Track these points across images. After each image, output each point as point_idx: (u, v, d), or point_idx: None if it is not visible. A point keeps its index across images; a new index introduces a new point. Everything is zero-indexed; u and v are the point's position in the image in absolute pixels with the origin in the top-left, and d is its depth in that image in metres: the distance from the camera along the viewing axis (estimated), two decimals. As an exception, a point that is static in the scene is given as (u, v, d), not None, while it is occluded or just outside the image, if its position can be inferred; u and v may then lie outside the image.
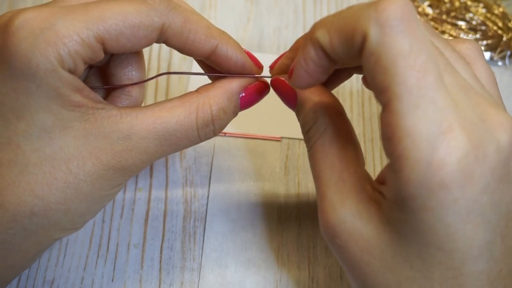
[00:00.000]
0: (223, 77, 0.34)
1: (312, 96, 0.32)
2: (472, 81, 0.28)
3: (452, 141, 0.24)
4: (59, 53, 0.28)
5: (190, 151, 0.44)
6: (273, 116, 0.45)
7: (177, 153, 0.44)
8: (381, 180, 0.28)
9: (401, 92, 0.24)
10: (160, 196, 0.42)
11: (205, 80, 0.35)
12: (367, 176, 0.30)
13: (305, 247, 0.40)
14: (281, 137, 0.44)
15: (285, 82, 0.33)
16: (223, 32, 0.33)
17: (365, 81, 0.35)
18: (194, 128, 0.32)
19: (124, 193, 0.42)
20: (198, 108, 0.32)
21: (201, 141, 0.33)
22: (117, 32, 0.29)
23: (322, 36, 0.27)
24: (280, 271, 0.39)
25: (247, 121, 0.45)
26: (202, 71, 0.35)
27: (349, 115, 0.42)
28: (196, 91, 0.33)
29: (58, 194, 0.30)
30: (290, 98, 0.33)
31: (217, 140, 0.44)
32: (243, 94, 0.34)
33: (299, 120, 0.33)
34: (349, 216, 0.28)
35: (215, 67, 0.34)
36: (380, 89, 0.25)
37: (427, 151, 0.24)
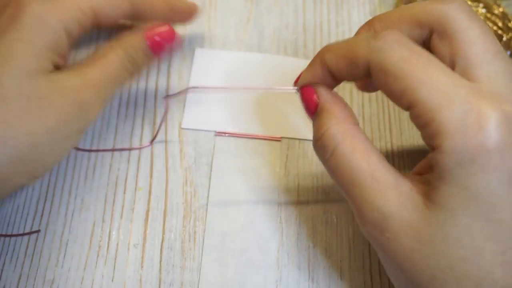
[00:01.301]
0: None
1: (331, 106, 0.34)
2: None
3: (482, 111, 0.27)
4: (64, 15, 0.36)
5: (190, 151, 0.44)
6: (273, 117, 0.45)
7: (177, 153, 0.44)
8: (418, 172, 0.31)
9: (415, 86, 0.28)
10: (160, 196, 0.42)
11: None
12: (398, 172, 0.31)
13: (305, 247, 0.40)
14: (281, 137, 0.44)
15: (312, 90, 0.35)
16: None
17: (361, 86, 0.40)
18: (122, 69, 0.38)
19: (124, 193, 0.42)
20: (114, 47, 0.39)
21: (129, 79, 0.40)
22: (104, 5, 0.39)
23: (330, 59, 0.33)
24: (280, 271, 0.39)
25: (247, 121, 0.45)
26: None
27: (349, 115, 0.42)
28: None
29: (29, 126, 0.33)
30: (312, 105, 0.34)
31: (217, 140, 0.44)
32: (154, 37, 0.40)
33: (314, 126, 0.34)
34: (395, 210, 0.29)
35: (143, 20, 0.42)
36: (398, 94, 0.29)
37: (463, 121, 0.27)
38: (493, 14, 0.51)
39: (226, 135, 0.44)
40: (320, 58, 0.34)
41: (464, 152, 0.27)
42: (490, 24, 0.51)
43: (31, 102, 0.34)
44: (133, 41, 0.39)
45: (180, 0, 0.43)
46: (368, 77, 0.32)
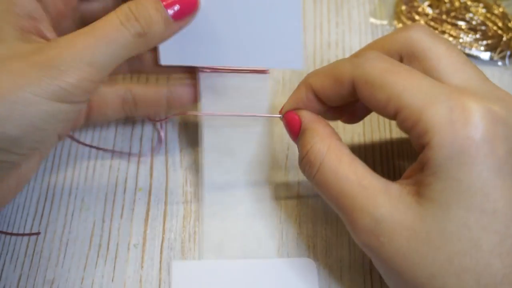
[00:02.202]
0: None
1: (314, 125, 0.35)
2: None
3: (466, 106, 0.28)
4: None
5: (190, 151, 0.44)
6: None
7: (177, 153, 0.44)
8: (407, 176, 0.31)
9: (399, 92, 0.30)
10: (160, 196, 0.42)
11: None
12: (386, 179, 0.31)
13: (305, 247, 0.40)
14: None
15: (294, 113, 0.36)
16: None
17: (346, 119, 0.40)
18: (119, 27, 0.32)
19: (124, 193, 0.42)
20: (117, 9, 0.33)
21: (136, 43, 0.33)
22: None
23: (315, 81, 0.34)
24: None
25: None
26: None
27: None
28: None
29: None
30: (295, 127, 0.36)
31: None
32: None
33: (299, 146, 0.35)
34: (386, 213, 0.30)
35: None
36: (383, 103, 0.31)
37: (448, 116, 0.28)
38: (493, 14, 0.51)
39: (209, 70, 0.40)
40: (304, 83, 0.35)
41: (453, 145, 0.28)
42: (490, 24, 0.51)
43: (5, 62, 0.30)
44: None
45: None
46: (352, 97, 0.33)
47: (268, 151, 0.41)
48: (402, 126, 0.30)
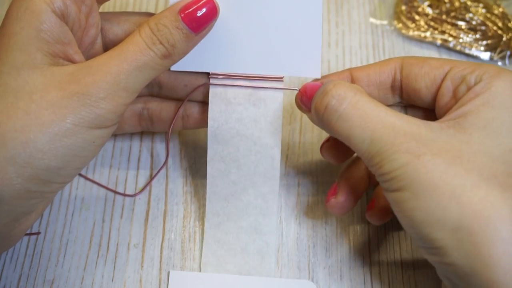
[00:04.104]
0: None
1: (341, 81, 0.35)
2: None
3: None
4: None
5: (190, 151, 0.44)
6: None
7: (177, 153, 0.44)
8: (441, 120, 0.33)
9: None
10: (160, 196, 0.42)
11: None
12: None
13: (305, 247, 0.40)
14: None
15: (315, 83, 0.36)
16: None
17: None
18: (147, 51, 0.32)
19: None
20: (139, 29, 0.33)
21: (163, 64, 0.33)
22: None
23: (357, 70, 0.37)
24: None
25: None
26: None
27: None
28: None
29: (17, 122, 0.30)
30: (314, 87, 0.35)
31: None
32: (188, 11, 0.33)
33: (318, 92, 0.34)
34: (429, 138, 0.31)
35: None
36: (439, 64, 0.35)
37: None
38: (493, 14, 0.51)
39: (220, 77, 0.38)
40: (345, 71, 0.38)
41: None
42: (490, 24, 0.51)
43: (19, 97, 0.30)
44: (163, 18, 0.33)
45: None
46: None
47: (276, 164, 0.38)
48: (456, 76, 0.33)
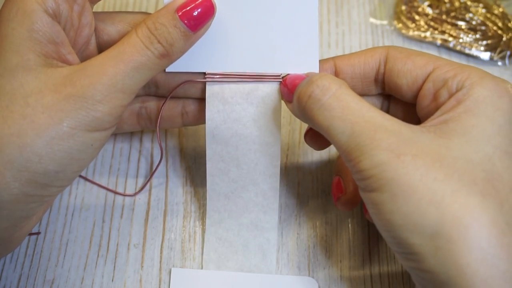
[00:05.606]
0: None
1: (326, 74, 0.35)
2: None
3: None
4: None
5: (190, 151, 0.44)
6: None
7: (177, 153, 0.44)
8: (423, 124, 0.32)
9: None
10: (160, 196, 0.42)
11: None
12: None
13: (305, 247, 0.40)
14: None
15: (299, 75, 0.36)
16: None
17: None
18: (144, 51, 0.32)
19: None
20: (136, 28, 0.33)
21: (161, 64, 0.33)
22: None
23: (341, 59, 0.37)
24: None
25: None
26: None
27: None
28: None
29: (13, 126, 0.29)
30: (297, 80, 0.35)
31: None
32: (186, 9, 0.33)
33: (303, 83, 0.34)
34: (410, 138, 0.30)
35: None
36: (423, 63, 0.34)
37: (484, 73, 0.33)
38: (493, 14, 0.51)
39: (217, 76, 0.37)
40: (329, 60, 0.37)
41: (493, 90, 0.31)
42: (490, 24, 0.51)
43: (15, 101, 0.30)
44: (161, 16, 0.32)
45: None
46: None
47: (276, 161, 0.38)
48: (438, 78, 0.33)
